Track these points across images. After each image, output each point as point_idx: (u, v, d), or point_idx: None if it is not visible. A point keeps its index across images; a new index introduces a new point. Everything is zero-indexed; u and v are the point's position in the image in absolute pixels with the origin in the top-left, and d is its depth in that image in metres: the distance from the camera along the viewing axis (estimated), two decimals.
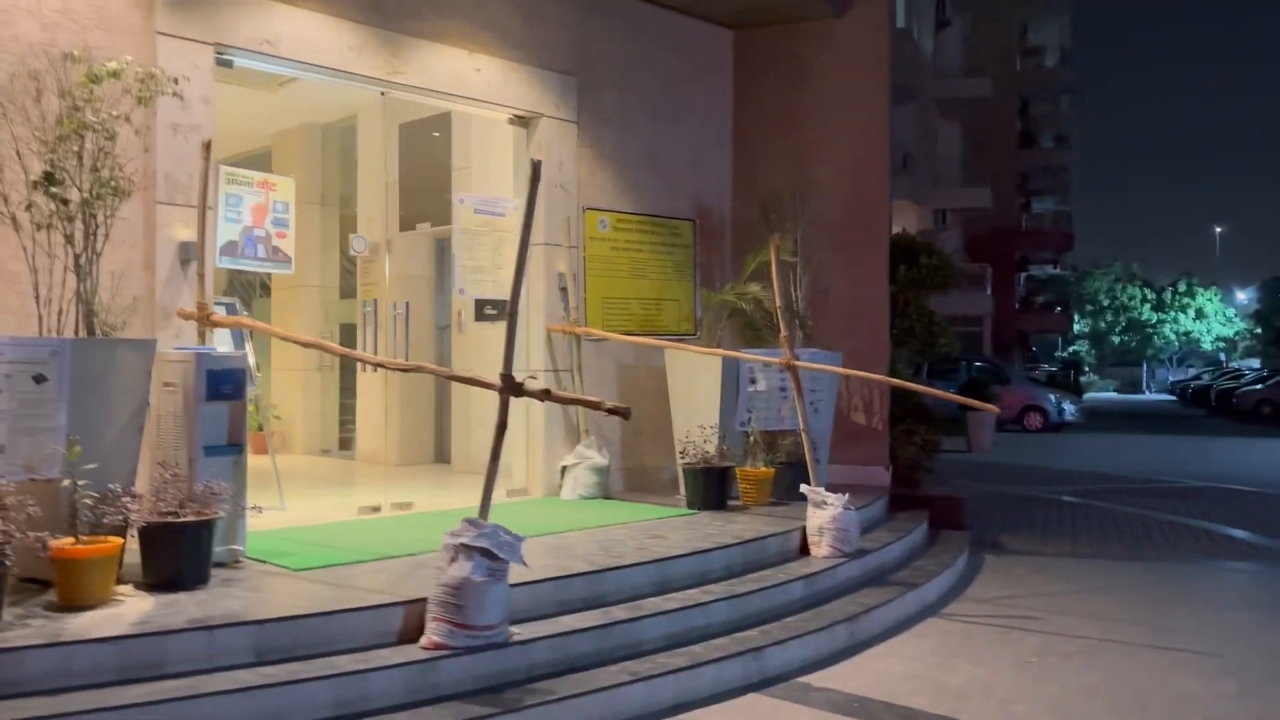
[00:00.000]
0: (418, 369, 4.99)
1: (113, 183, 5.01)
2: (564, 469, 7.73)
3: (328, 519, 6.75)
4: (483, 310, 9.39)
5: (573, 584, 5.11)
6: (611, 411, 4.30)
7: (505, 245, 7.68)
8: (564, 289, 7.87)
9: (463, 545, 4.47)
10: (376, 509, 7.01)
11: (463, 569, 4.43)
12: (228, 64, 6.28)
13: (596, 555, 5.63)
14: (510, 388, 4.45)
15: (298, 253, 11.77)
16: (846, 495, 6.61)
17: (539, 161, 4.53)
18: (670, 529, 6.51)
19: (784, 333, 6.71)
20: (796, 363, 6.67)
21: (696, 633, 5.19)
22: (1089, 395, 44.53)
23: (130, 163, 5.29)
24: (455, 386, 9.93)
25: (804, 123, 9.20)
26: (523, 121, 7.90)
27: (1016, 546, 8.83)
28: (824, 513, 6.51)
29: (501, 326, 4.57)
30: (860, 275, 8.98)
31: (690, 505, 7.33)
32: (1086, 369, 60.55)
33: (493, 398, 7.29)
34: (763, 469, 7.59)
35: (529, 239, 4.58)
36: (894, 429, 9.06)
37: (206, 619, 4.15)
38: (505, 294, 7.94)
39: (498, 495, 7.93)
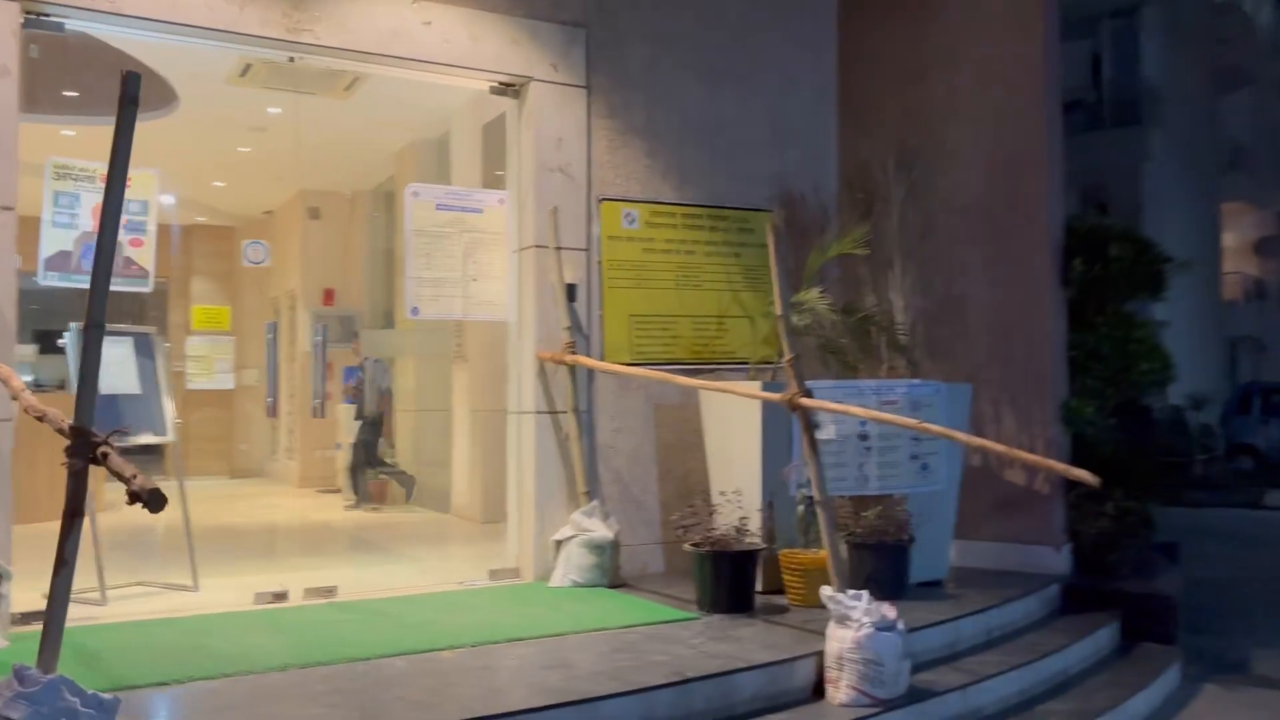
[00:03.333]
0: (41, 417, 3.29)
1: None
2: (558, 544, 5.76)
3: (228, 606, 5.23)
4: None
5: None
6: (134, 498, 2.39)
7: (482, 249, 5.92)
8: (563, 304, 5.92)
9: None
10: (282, 595, 5.38)
11: None
12: (57, 27, 4.95)
13: (400, 703, 3.66)
14: (80, 449, 2.65)
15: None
16: (885, 605, 4.22)
17: (133, 74, 2.72)
18: (604, 648, 4.37)
19: (788, 355, 4.43)
20: (805, 400, 4.37)
21: None
22: None
23: None
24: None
25: (930, 70, 6.74)
26: (513, 90, 6.10)
27: (1269, 670, 5.87)
28: (845, 633, 4.16)
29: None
30: (1009, 275, 6.38)
31: (700, 605, 5.14)
32: None
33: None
34: (819, 553, 5.27)
35: (118, 214, 2.78)
36: (1072, 492, 6.33)
37: None
38: (482, 313, 6.23)
39: (478, 575, 6.15)
